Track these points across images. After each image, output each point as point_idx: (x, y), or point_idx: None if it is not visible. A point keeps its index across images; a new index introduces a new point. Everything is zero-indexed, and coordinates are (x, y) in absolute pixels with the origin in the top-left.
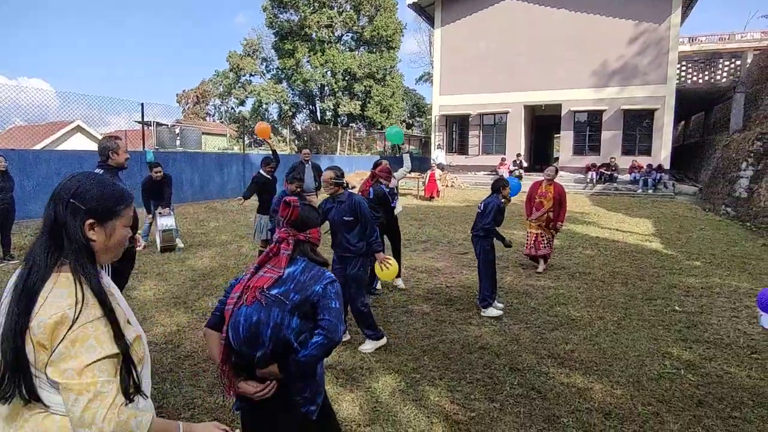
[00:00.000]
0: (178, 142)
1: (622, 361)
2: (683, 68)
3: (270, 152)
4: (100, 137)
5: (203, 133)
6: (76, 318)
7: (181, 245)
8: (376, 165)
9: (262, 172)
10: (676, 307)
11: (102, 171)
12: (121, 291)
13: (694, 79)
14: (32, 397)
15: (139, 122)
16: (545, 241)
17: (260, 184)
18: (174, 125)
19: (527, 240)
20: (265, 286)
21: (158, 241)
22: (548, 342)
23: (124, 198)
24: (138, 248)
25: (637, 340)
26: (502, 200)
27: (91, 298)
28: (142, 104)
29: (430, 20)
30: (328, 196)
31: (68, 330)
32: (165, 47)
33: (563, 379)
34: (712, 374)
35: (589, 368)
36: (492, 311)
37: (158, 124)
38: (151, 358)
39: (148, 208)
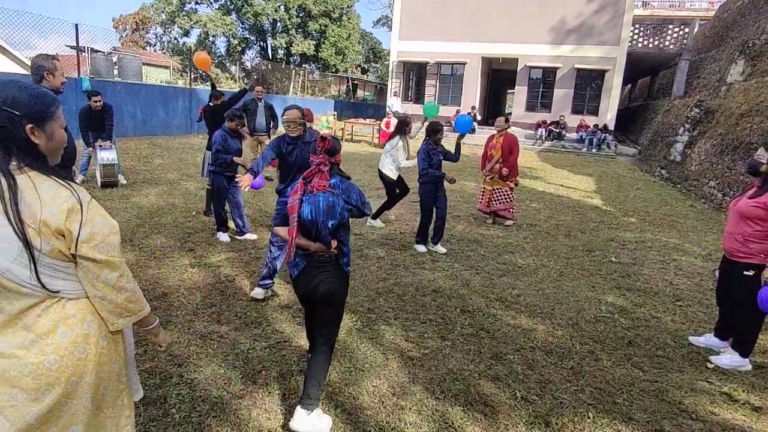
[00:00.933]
0: (115, 72)
1: (563, 306)
2: (635, 32)
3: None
4: (27, 61)
5: (144, 64)
6: (80, 202)
7: (124, 181)
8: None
9: (211, 104)
10: (613, 259)
11: None
12: None
13: (645, 43)
14: (42, 289)
15: (71, 47)
16: (501, 197)
17: (211, 115)
18: (111, 53)
19: (480, 195)
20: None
21: (98, 176)
22: (497, 287)
23: (54, 99)
24: (76, 182)
25: (577, 287)
26: (433, 144)
27: (73, 185)
28: (76, 25)
29: None
30: (291, 136)
31: (81, 214)
32: None
33: (510, 320)
34: (642, 319)
35: (533, 311)
36: (420, 247)
37: (93, 51)
38: None
39: (87, 140)
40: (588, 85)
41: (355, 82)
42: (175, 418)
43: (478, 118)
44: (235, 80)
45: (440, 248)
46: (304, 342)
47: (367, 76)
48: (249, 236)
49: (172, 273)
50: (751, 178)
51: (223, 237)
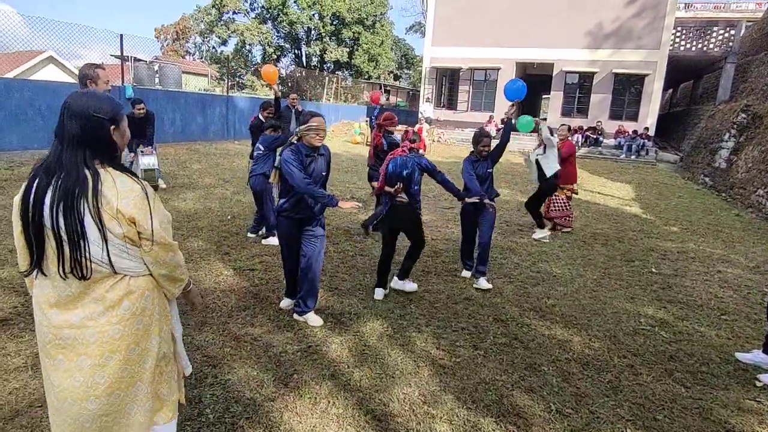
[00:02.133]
0: (156, 80)
1: (600, 317)
2: (677, 34)
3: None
4: (74, 70)
5: (184, 72)
6: (147, 194)
7: (164, 186)
8: (380, 115)
9: (260, 116)
10: (653, 269)
11: None
12: None
13: (687, 46)
14: (113, 268)
15: (115, 56)
16: (558, 205)
17: (256, 129)
18: (152, 62)
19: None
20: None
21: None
22: (531, 296)
23: (119, 103)
24: None
25: (614, 298)
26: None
27: (142, 181)
28: (121, 36)
29: None
30: (317, 145)
31: (149, 205)
32: None
33: (544, 331)
34: (684, 332)
35: (569, 322)
36: (464, 272)
37: (136, 60)
38: None
39: (130, 146)
40: (627, 89)
41: (388, 88)
42: (209, 418)
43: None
44: (270, 87)
45: (483, 283)
46: (336, 346)
47: (400, 82)
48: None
49: (208, 276)
50: None
51: (275, 240)
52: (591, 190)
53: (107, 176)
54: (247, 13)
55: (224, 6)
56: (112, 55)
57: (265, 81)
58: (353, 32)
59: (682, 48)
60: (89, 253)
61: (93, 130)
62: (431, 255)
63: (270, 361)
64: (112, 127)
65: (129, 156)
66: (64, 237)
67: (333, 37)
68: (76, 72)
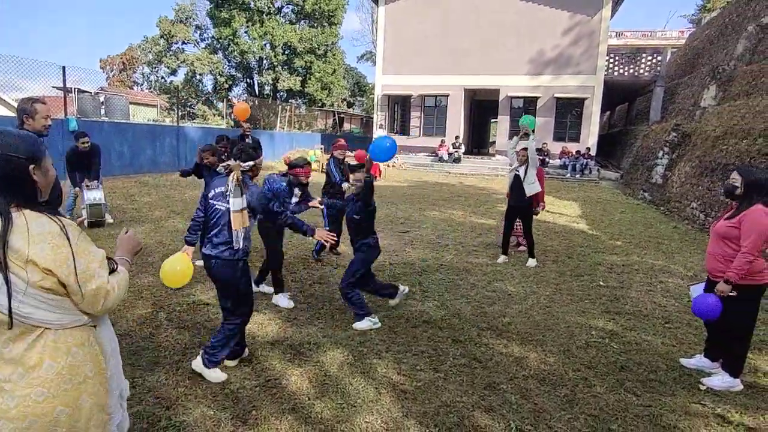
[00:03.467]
0: (102, 111)
1: (554, 332)
2: (611, 61)
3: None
4: (13, 103)
5: (131, 103)
6: (69, 237)
7: (111, 220)
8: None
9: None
10: (601, 283)
11: None
12: None
13: (621, 71)
14: (24, 321)
15: (58, 88)
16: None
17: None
18: (98, 93)
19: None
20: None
21: (85, 215)
22: (487, 315)
23: (40, 140)
24: None
25: (567, 312)
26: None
27: (64, 220)
28: (64, 68)
29: None
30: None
31: (71, 246)
32: (85, 9)
33: (502, 349)
34: (633, 342)
35: (524, 339)
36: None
37: (80, 91)
38: None
39: (74, 181)
40: (568, 112)
41: (342, 115)
42: None
43: (463, 148)
44: (222, 116)
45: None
46: (296, 378)
47: (353, 109)
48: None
49: (160, 312)
50: (731, 201)
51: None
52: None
53: (20, 220)
54: (197, 43)
55: (173, 36)
56: (54, 87)
57: (238, 119)
58: (305, 61)
59: (615, 73)
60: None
61: (9, 170)
62: (390, 279)
63: (227, 399)
64: (32, 166)
65: (73, 190)
66: None
67: (285, 66)
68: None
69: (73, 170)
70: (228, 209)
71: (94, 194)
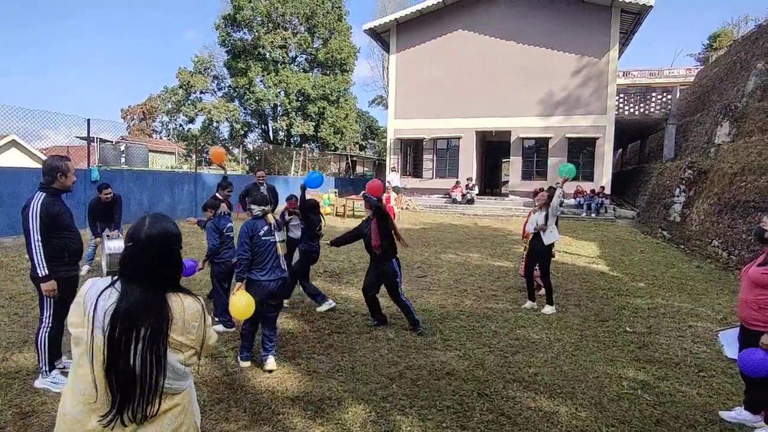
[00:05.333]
0: (123, 160)
1: (583, 383)
2: (621, 100)
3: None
4: (37, 153)
5: (150, 151)
6: (204, 313)
7: None
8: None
9: (218, 195)
10: (627, 328)
11: (44, 194)
12: (64, 321)
13: (631, 110)
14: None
15: (81, 138)
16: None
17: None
18: (119, 141)
19: (522, 261)
20: None
21: (104, 265)
22: (512, 366)
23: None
24: (81, 273)
25: (595, 361)
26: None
27: (200, 298)
28: (89, 120)
29: (385, 46)
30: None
31: (204, 321)
32: (107, 61)
33: (530, 403)
34: (666, 393)
35: (553, 391)
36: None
37: (102, 140)
38: None
39: (95, 230)
40: (580, 152)
41: (354, 158)
42: None
43: (476, 189)
44: (238, 162)
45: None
46: None
47: (365, 152)
48: None
49: None
50: (762, 244)
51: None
52: (558, 249)
53: (177, 304)
54: (215, 92)
55: (191, 86)
56: (77, 137)
57: (215, 162)
58: (318, 107)
59: (626, 112)
60: (158, 389)
61: (173, 259)
62: (408, 327)
63: None
64: (180, 250)
65: (94, 240)
66: (140, 374)
67: (299, 112)
68: (40, 155)
69: (94, 220)
70: (275, 241)
71: (114, 243)
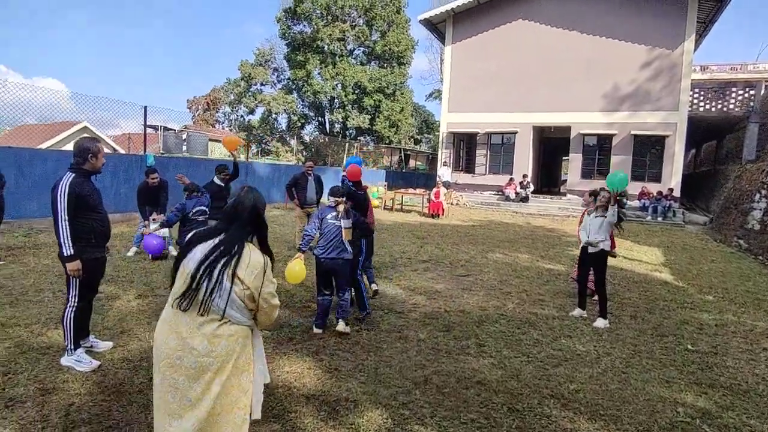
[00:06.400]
0: (184, 147)
1: (631, 406)
2: (695, 96)
3: (230, 160)
4: (107, 140)
5: (211, 140)
6: (266, 268)
7: (174, 253)
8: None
9: (215, 179)
10: (689, 346)
11: (73, 175)
12: (90, 301)
13: (707, 107)
14: (223, 315)
15: (149, 126)
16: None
17: (212, 192)
18: (181, 130)
19: (575, 265)
20: None
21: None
22: (551, 379)
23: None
24: (129, 254)
25: (647, 381)
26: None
27: (266, 257)
28: (145, 107)
29: (441, 37)
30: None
31: (264, 278)
32: (177, 54)
33: (567, 424)
34: (731, 426)
35: (595, 412)
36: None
37: (165, 129)
38: (122, 378)
39: (144, 214)
40: (647, 151)
41: (408, 152)
42: None
43: (531, 187)
44: (293, 153)
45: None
46: None
47: (420, 146)
48: None
49: None
50: None
51: None
52: (618, 253)
53: (247, 251)
54: (274, 84)
55: (252, 78)
56: (148, 126)
57: (228, 150)
58: (374, 100)
59: (701, 109)
60: (213, 301)
61: (258, 218)
62: (443, 329)
63: None
64: (264, 213)
65: (143, 223)
66: (206, 286)
67: (355, 105)
68: (110, 142)
69: (142, 204)
70: (341, 226)
71: (166, 231)
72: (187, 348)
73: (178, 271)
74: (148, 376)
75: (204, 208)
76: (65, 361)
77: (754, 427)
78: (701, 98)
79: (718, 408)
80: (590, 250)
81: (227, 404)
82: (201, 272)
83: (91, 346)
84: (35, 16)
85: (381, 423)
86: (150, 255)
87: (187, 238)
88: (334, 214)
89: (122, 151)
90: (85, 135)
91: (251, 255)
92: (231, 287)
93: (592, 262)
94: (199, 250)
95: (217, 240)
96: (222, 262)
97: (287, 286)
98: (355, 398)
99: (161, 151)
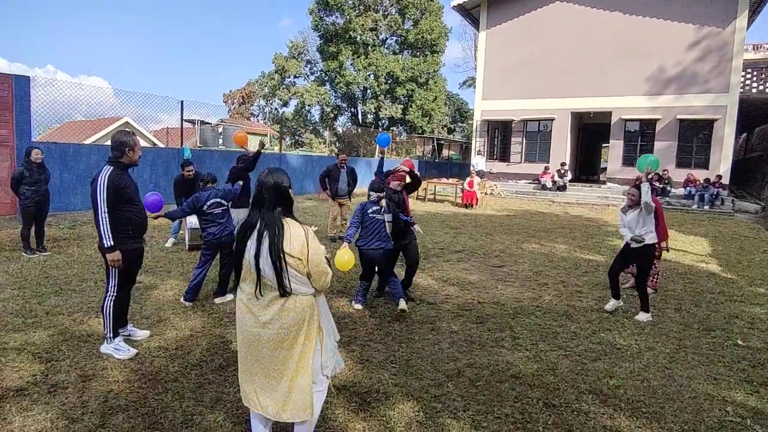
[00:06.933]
0: (220, 141)
1: (675, 404)
2: (748, 76)
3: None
4: (148, 135)
5: (247, 133)
6: (307, 238)
7: (187, 239)
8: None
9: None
10: (739, 342)
11: (111, 168)
12: (129, 291)
13: (761, 88)
14: (287, 290)
15: (187, 121)
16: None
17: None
18: (218, 124)
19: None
20: None
21: (186, 239)
22: (590, 374)
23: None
24: (167, 245)
25: (693, 378)
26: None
27: (306, 227)
28: (182, 102)
29: (475, 23)
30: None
31: (308, 246)
32: (215, 49)
33: (606, 421)
34: None
35: (636, 409)
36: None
37: (203, 123)
38: (158, 366)
39: (180, 205)
40: (694, 136)
41: (441, 141)
42: None
43: (569, 175)
44: (327, 144)
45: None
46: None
47: (453, 135)
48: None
49: (235, 343)
50: None
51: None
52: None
53: (287, 226)
54: (307, 76)
55: (286, 71)
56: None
57: (237, 145)
58: (407, 90)
59: (754, 90)
60: (275, 280)
61: (286, 194)
62: (476, 321)
63: None
64: (290, 190)
65: None
66: (266, 269)
67: (387, 95)
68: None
69: (178, 196)
70: (384, 220)
71: (194, 219)
72: (260, 324)
73: (242, 265)
74: (184, 364)
75: (219, 200)
76: (104, 348)
77: None
78: (754, 79)
79: None
80: (633, 245)
81: (303, 368)
82: (258, 259)
83: (129, 335)
84: (79, 14)
85: (412, 416)
86: (151, 213)
87: (236, 232)
88: (376, 208)
89: (161, 145)
90: (124, 129)
91: (292, 229)
92: (285, 263)
93: (636, 257)
94: (251, 241)
95: (257, 227)
96: (268, 244)
97: None
98: (386, 390)
99: (198, 145)
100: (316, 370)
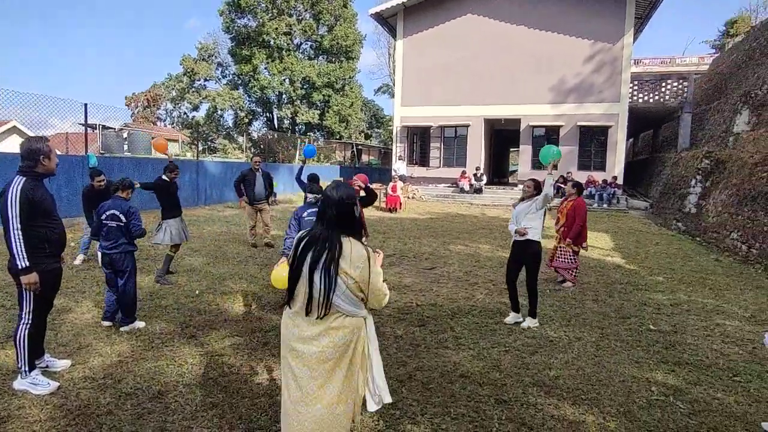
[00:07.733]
0: (125, 147)
1: (608, 388)
2: (635, 88)
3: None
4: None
5: (153, 138)
6: (369, 260)
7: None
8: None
9: (164, 177)
10: (651, 326)
11: (24, 179)
12: (46, 317)
13: (645, 98)
14: (337, 309)
15: (83, 124)
16: (563, 256)
17: (160, 189)
18: (122, 129)
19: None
20: None
21: (99, 255)
22: (530, 367)
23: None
24: (76, 263)
25: (619, 363)
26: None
27: (369, 248)
28: (86, 105)
29: (392, 31)
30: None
31: (369, 267)
32: (112, 50)
33: (553, 411)
34: (701, 401)
35: (577, 397)
36: None
37: (104, 127)
38: (86, 398)
39: (90, 219)
40: (592, 141)
41: (360, 147)
42: None
43: (484, 179)
44: (242, 150)
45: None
46: None
47: (371, 141)
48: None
49: (171, 366)
50: None
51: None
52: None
53: (347, 246)
54: (219, 80)
55: (196, 74)
56: (80, 124)
57: (159, 152)
58: (323, 95)
59: (640, 100)
60: (328, 299)
61: (350, 212)
62: (418, 324)
63: None
64: (355, 207)
65: (89, 229)
66: (318, 286)
67: (304, 100)
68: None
69: (89, 209)
70: None
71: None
72: (306, 340)
73: (296, 276)
74: (116, 394)
75: (117, 213)
76: (18, 384)
77: (721, 400)
78: (639, 90)
79: (687, 384)
80: (516, 237)
81: (347, 391)
82: (313, 275)
83: (47, 366)
84: None
85: (373, 425)
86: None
87: (294, 245)
88: (313, 210)
89: (59, 152)
90: (33, 136)
91: (353, 248)
92: (339, 282)
93: (522, 256)
94: (309, 256)
95: (319, 243)
96: (325, 261)
97: (252, 288)
98: None
99: (101, 151)
100: (358, 402)
